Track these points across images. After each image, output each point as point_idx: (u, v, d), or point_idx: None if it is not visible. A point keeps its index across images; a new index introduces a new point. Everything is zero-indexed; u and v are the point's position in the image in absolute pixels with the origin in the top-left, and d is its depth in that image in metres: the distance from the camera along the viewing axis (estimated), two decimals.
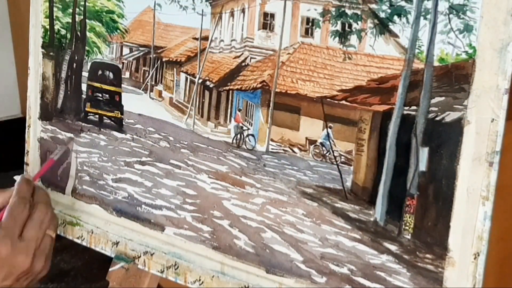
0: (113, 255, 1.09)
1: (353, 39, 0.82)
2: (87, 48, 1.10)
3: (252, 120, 0.95)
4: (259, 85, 0.91)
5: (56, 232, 0.98)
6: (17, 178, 1.17)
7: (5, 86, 1.87)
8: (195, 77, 1.00)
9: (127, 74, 1.09)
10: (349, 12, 0.81)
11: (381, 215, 0.82)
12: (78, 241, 1.14)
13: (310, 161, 0.89)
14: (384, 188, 0.81)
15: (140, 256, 1.05)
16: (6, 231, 0.91)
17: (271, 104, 0.90)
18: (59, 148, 1.07)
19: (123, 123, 1.07)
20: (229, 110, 0.98)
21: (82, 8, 1.10)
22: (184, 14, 0.97)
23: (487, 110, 0.72)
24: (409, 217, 0.80)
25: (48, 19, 1.13)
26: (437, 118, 0.76)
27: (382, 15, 0.79)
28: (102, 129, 1.10)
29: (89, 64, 1.11)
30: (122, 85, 1.09)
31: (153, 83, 1.07)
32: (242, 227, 0.94)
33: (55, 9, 1.12)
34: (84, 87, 1.11)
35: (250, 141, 0.95)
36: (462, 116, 0.74)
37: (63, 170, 1.15)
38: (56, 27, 1.13)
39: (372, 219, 0.83)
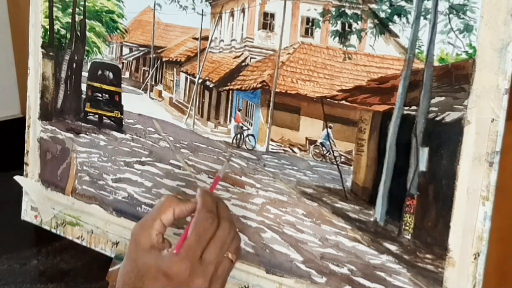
0: (113, 255, 1.09)
1: (353, 39, 0.82)
2: (87, 48, 1.10)
3: (252, 120, 0.95)
4: (259, 85, 0.91)
5: (237, 256, 0.83)
6: (19, 179, 1.17)
7: (5, 86, 1.87)
8: (195, 77, 1.00)
9: (127, 74, 1.09)
10: (349, 12, 0.81)
11: (381, 215, 0.82)
12: (78, 241, 1.14)
13: (310, 161, 0.89)
14: (384, 188, 0.81)
15: None
16: (188, 251, 0.79)
17: (271, 104, 0.90)
18: (224, 165, 0.88)
19: (123, 123, 1.07)
20: (229, 110, 0.98)
21: (82, 8, 1.10)
22: (184, 14, 0.97)
23: (487, 110, 0.72)
24: (409, 217, 0.80)
25: (48, 19, 1.13)
26: (437, 118, 0.76)
27: (382, 15, 0.79)
28: (102, 129, 1.10)
29: (89, 64, 1.11)
30: (122, 85, 1.09)
31: (153, 83, 1.07)
32: (242, 227, 0.94)
33: (55, 9, 1.12)
34: (84, 87, 1.11)
35: (250, 141, 0.95)
36: (462, 116, 0.74)
37: (63, 170, 1.15)
38: (56, 27, 1.13)
39: (372, 219, 0.83)
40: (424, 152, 0.78)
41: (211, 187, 0.86)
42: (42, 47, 1.15)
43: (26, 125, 1.18)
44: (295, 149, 0.90)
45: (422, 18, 0.76)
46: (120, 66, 1.09)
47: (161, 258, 0.80)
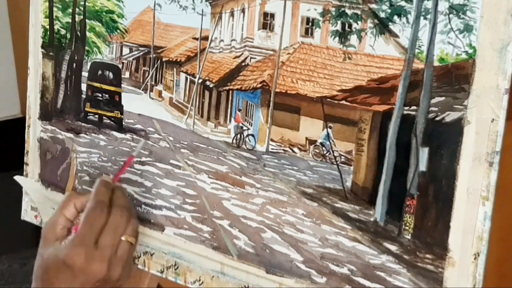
0: None
1: (353, 39, 0.82)
2: (87, 48, 1.10)
3: (252, 120, 0.95)
4: (259, 85, 0.91)
5: (136, 237, 0.92)
6: (19, 179, 1.17)
7: (5, 86, 1.87)
8: (195, 77, 1.00)
9: (127, 74, 1.09)
10: (349, 12, 0.81)
11: (381, 215, 0.82)
12: None
13: (310, 161, 0.89)
14: (384, 188, 0.81)
15: (140, 256, 1.05)
16: (81, 239, 0.87)
17: (271, 104, 0.90)
18: (137, 144, 0.98)
19: (123, 123, 1.07)
20: (229, 110, 0.98)
21: (82, 8, 1.09)
22: (184, 14, 0.97)
23: (487, 110, 0.72)
24: (409, 217, 0.80)
25: (48, 19, 1.13)
26: (437, 118, 0.76)
27: (382, 15, 0.79)
28: (102, 129, 1.10)
29: (89, 64, 1.11)
30: (122, 85, 1.09)
31: (153, 83, 1.07)
32: (242, 227, 0.94)
33: (55, 9, 1.12)
34: (84, 87, 1.11)
35: (250, 141, 0.95)
36: (462, 116, 0.74)
37: (63, 170, 1.15)
38: (56, 27, 1.13)
39: (372, 219, 0.83)
40: (424, 152, 0.78)
41: (117, 173, 0.97)
42: (42, 47, 1.15)
43: (26, 125, 1.18)
44: (295, 149, 0.90)
45: (422, 18, 0.76)
46: (120, 66, 1.09)
47: (60, 249, 0.88)
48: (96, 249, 0.87)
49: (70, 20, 1.11)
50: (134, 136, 1.06)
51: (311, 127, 0.88)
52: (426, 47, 0.76)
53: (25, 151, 1.19)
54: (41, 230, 0.91)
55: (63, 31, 1.13)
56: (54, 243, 0.90)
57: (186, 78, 1.03)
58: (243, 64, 0.94)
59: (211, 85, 0.99)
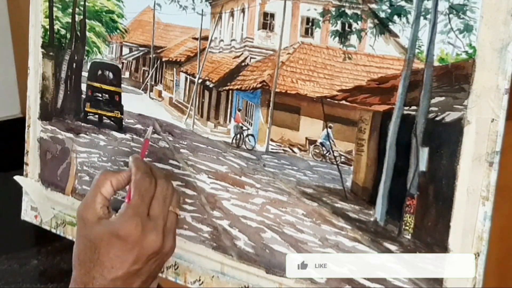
0: None
1: (353, 39, 0.82)
2: (87, 48, 1.10)
3: (252, 120, 0.95)
4: (259, 85, 0.91)
5: (179, 208, 0.90)
6: (19, 179, 1.17)
7: (5, 86, 1.87)
8: (194, 77, 1.00)
9: (127, 74, 1.09)
10: (349, 12, 0.81)
11: (381, 215, 0.82)
12: None
13: (310, 161, 0.89)
14: (384, 188, 0.81)
15: None
16: (135, 209, 0.83)
17: (271, 104, 0.90)
18: (149, 129, 0.96)
19: (123, 123, 1.07)
20: (229, 110, 0.98)
21: (82, 8, 1.09)
22: (184, 14, 0.97)
23: (487, 110, 0.72)
24: (409, 217, 0.80)
25: (48, 19, 1.13)
26: (437, 118, 0.76)
27: (382, 15, 0.78)
28: (101, 129, 1.10)
29: (89, 64, 1.11)
30: (122, 85, 1.09)
31: (152, 83, 1.07)
32: (242, 227, 0.94)
33: (55, 9, 1.12)
34: (84, 87, 1.11)
35: (250, 141, 0.95)
36: (462, 116, 0.74)
37: (63, 170, 1.15)
38: (56, 27, 1.13)
39: (372, 219, 0.83)
40: (424, 152, 0.78)
41: (141, 152, 0.94)
42: (42, 47, 1.15)
43: (26, 125, 1.18)
44: (295, 149, 0.90)
45: (422, 18, 0.76)
46: (120, 66, 1.09)
47: (111, 223, 0.84)
48: (151, 220, 0.84)
49: (70, 20, 1.11)
50: (134, 136, 1.06)
51: (311, 127, 0.88)
52: (426, 47, 0.76)
53: (25, 151, 1.19)
54: (77, 213, 0.86)
55: (63, 31, 1.13)
56: (99, 221, 0.85)
57: (186, 78, 1.03)
58: (243, 64, 0.94)
59: (211, 85, 0.99)
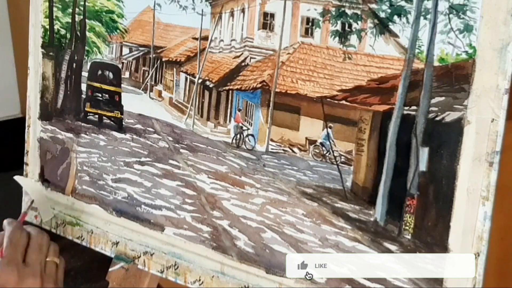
0: (113, 255, 1.09)
1: (353, 39, 0.82)
2: (86, 48, 1.10)
3: (252, 120, 0.95)
4: (259, 85, 0.91)
5: (59, 258, 0.97)
6: (19, 179, 1.17)
7: (5, 86, 1.87)
8: (194, 77, 1.00)
9: (126, 74, 1.09)
10: (349, 12, 0.81)
11: (381, 215, 0.82)
12: (78, 241, 1.14)
13: (310, 161, 0.89)
14: (384, 188, 0.81)
15: (140, 256, 1.05)
16: (8, 258, 0.91)
17: (271, 104, 0.90)
18: (27, 201, 1.10)
19: (123, 123, 1.07)
20: (229, 110, 0.98)
21: (82, 8, 1.09)
22: (184, 14, 0.97)
23: (487, 110, 0.72)
24: (409, 217, 0.80)
25: (48, 19, 1.13)
26: (437, 118, 0.76)
27: (382, 15, 0.78)
28: (101, 129, 1.10)
29: (89, 64, 1.11)
30: (122, 85, 1.09)
31: (152, 83, 1.07)
32: (242, 227, 0.94)
33: (55, 9, 1.12)
34: (84, 87, 1.11)
35: (250, 141, 0.95)
36: (462, 116, 0.74)
37: (63, 170, 1.15)
38: (56, 27, 1.13)
39: (372, 219, 0.83)
40: (424, 152, 0.78)
41: (20, 220, 1.03)
42: (42, 47, 1.15)
43: (26, 125, 1.18)
44: (295, 149, 0.90)
45: (422, 18, 0.76)
46: (120, 66, 1.09)
47: None
48: (26, 266, 0.91)
49: (70, 20, 1.11)
50: (134, 136, 1.06)
51: (311, 127, 0.88)
52: (426, 47, 0.76)
53: (25, 151, 1.19)
54: None
55: (63, 31, 1.13)
56: None
57: (186, 78, 1.03)
58: (243, 64, 0.94)
59: (211, 85, 0.99)
